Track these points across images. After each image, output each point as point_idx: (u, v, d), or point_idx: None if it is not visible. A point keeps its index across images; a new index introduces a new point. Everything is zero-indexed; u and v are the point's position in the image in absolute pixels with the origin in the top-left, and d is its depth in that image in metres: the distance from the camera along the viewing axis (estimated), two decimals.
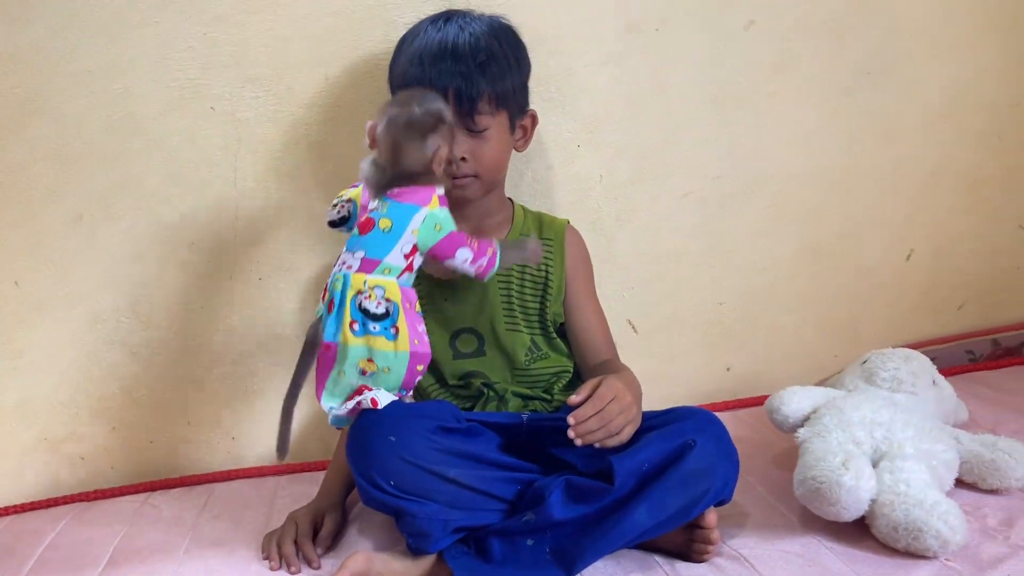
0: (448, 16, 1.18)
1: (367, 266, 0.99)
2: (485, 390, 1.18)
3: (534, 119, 1.24)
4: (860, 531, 1.02)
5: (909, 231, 1.56)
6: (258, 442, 1.41)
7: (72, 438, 1.37)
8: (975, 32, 1.50)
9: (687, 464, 0.98)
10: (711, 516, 1.01)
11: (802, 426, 1.14)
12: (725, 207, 1.48)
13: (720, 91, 1.43)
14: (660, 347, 1.50)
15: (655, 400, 1.50)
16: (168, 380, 1.37)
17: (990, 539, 0.99)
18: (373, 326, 0.98)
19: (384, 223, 0.99)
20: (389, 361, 0.99)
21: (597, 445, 1.01)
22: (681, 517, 0.99)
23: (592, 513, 0.99)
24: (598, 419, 1.00)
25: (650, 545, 1.04)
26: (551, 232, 1.25)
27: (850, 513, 1.00)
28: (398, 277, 1.00)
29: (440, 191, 1.03)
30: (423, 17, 1.28)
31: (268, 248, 1.35)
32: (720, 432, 1.02)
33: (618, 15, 1.36)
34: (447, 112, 1.04)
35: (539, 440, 1.10)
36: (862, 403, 1.11)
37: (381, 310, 0.98)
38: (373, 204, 1.01)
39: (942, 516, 0.96)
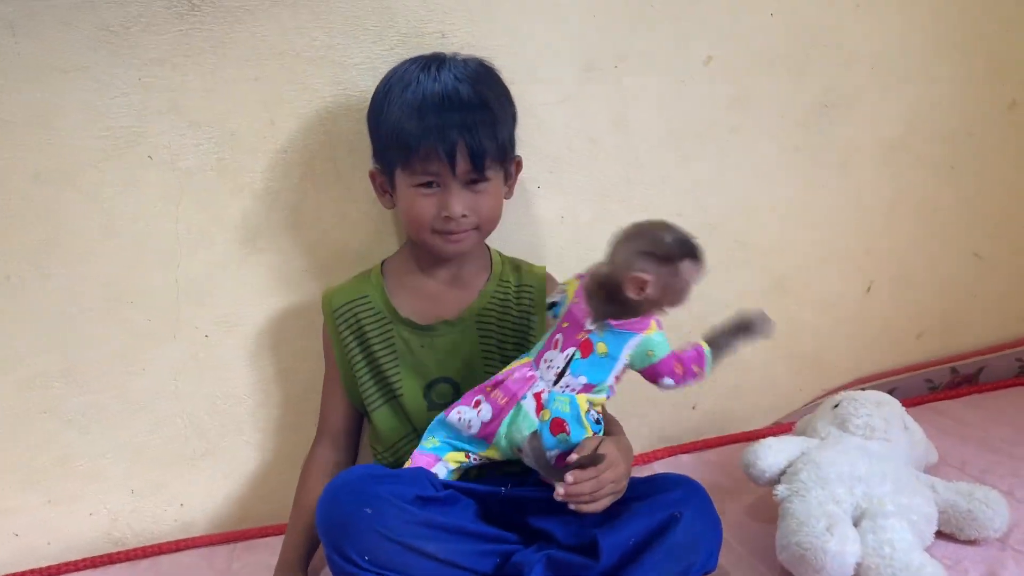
0: (439, 63, 1.12)
1: (587, 388, 1.02)
2: None
3: (519, 165, 1.20)
4: None
5: (869, 263, 1.56)
6: (209, 507, 1.33)
7: (3, 513, 1.27)
8: (928, 64, 1.51)
9: (673, 538, 0.94)
10: None
11: (779, 480, 1.11)
12: None
13: (680, 128, 1.41)
14: (626, 387, 1.45)
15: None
16: (107, 447, 1.28)
17: None
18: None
19: (601, 348, 1.01)
20: None
21: (572, 506, 0.96)
22: None
23: None
24: (592, 485, 0.96)
25: None
26: (531, 279, 1.21)
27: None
28: (607, 395, 1.03)
29: (659, 317, 1.02)
30: (373, 57, 1.23)
31: (214, 303, 1.28)
32: (704, 503, 0.99)
33: (575, 54, 1.33)
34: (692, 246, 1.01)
35: (518, 510, 1.05)
36: (838, 457, 1.09)
37: (600, 421, 1.04)
38: (591, 325, 1.01)
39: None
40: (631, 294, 0.97)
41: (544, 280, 1.22)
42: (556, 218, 1.39)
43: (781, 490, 1.09)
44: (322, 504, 0.96)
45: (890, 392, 1.42)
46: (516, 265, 1.22)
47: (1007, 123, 1.56)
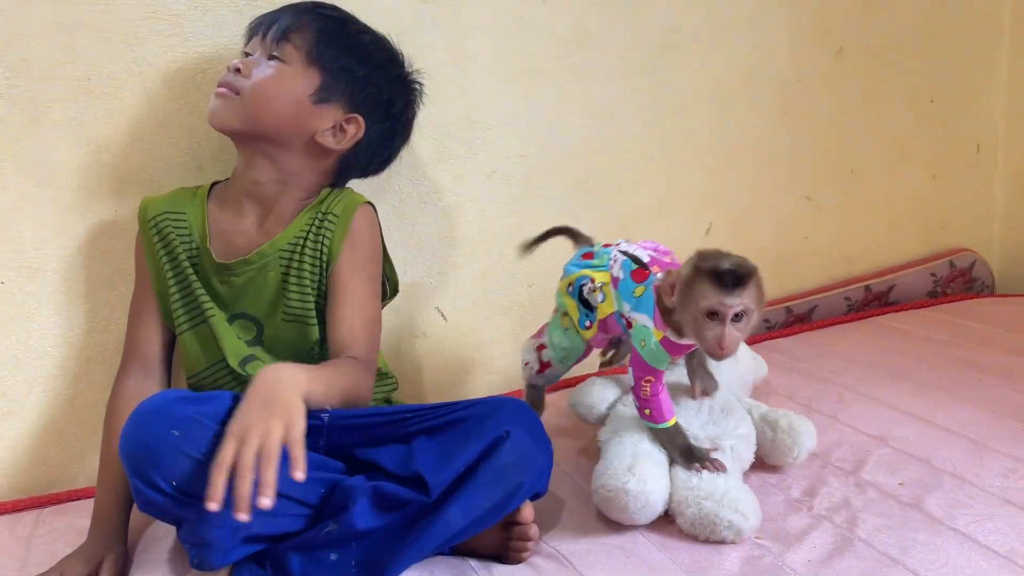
0: None
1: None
2: None
3: (358, 125, 1.12)
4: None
5: (708, 206, 1.59)
6: (11, 471, 1.21)
7: None
8: (761, 11, 1.54)
9: (500, 458, 0.91)
10: (527, 510, 0.96)
11: (608, 416, 1.12)
12: (531, 185, 1.44)
13: (520, 65, 1.38)
14: (471, 333, 1.44)
15: (470, 389, 1.47)
16: None
17: (795, 511, 1.01)
18: None
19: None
20: None
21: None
22: (496, 514, 0.93)
23: (400, 520, 0.91)
24: (239, 483, 0.83)
25: (464, 548, 0.97)
26: (339, 208, 1.12)
27: (644, 517, 0.98)
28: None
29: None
30: None
31: (9, 247, 1.15)
32: (533, 421, 0.97)
33: None
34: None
35: (344, 439, 1.00)
36: None
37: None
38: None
39: (731, 504, 0.95)
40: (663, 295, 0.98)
41: (355, 210, 1.11)
42: (396, 158, 1.33)
43: (603, 433, 1.09)
44: (126, 431, 0.88)
45: None
46: (338, 196, 1.14)
47: (834, 70, 1.62)
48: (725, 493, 0.96)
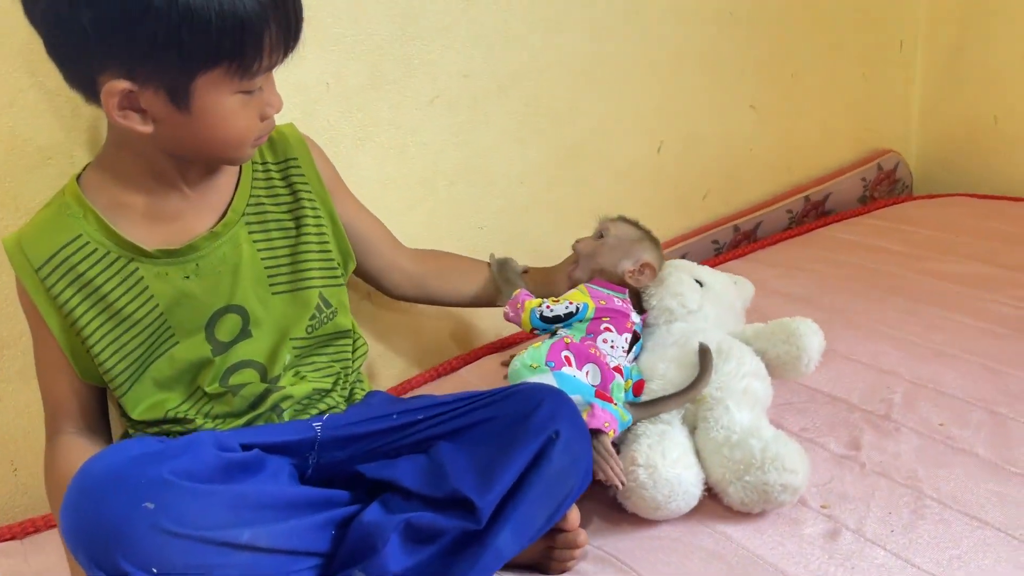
0: None
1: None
2: (264, 391, 0.87)
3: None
4: None
5: (659, 122, 1.45)
6: None
7: None
8: None
9: (551, 464, 0.76)
10: (574, 515, 0.82)
11: None
12: (477, 111, 1.24)
13: None
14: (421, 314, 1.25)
15: (424, 343, 1.28)
16: None
17: (847, 470, 0.92)
18: None
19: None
20: None
21: None
22: (545, 527, 0.79)
23: (440, 551, 0.75)
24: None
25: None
26: (290, 149, 0.93)
27: (682, 507, 0.86)
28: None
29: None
30: None
31: None
32: (573, 411, 0.81)
33: None
34: None
35: (340, 455, 0.82)
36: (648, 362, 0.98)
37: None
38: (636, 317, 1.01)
39: (776, 463, 0.84)
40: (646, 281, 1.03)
41: (303, 143, 0.94)
42: (322, 84, 1.09)
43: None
44: (73, 508, 0.67)
45: (683, 258, 1.35)
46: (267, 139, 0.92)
47: None
48: (763, 453, 0.85)
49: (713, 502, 0.89)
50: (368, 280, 1.07)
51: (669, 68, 1.43)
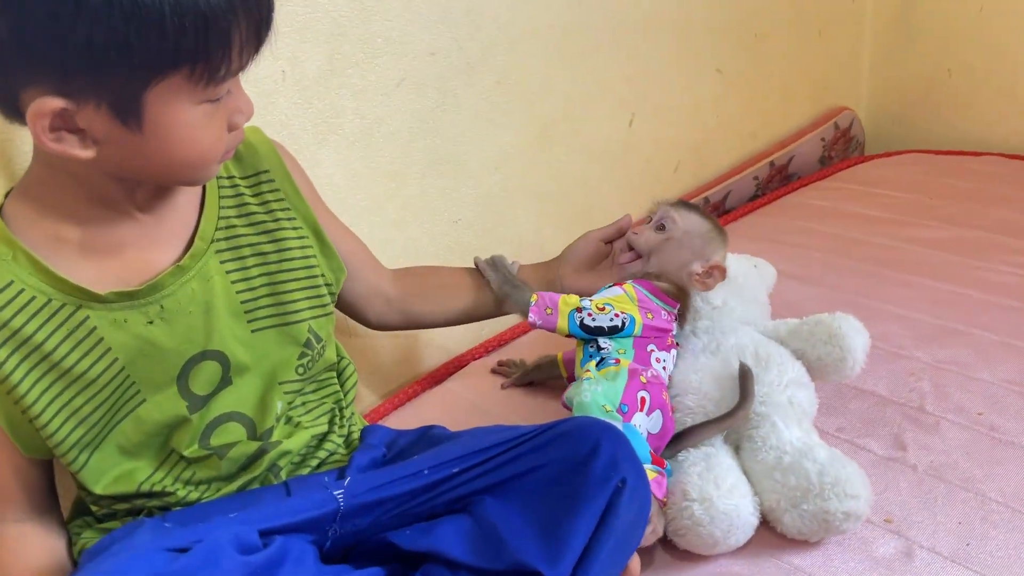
0: None
1: None
2: (257, 451, 0.74)
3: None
4: None
5: (630, 92, 1.35)
6: None
7: None
8: None
9: (620, 517, 0.66)
10: (635, 566, 0.73)
11: None
12: (447, 92, 1.10)
13: None
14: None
15: (412, 346, 1.15)
16: None
17: (900, 475, 0.86)
18: None
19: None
20: None
21: None
22: None
23: None
24: None
25: None
26: (259, 160, 0.79)
27: (740, 538, 0.79)
28: None
29: None
30: None
31: None
32: (632, 450, 0.71)
33: None
34: None
35: (365, 523, 0.70)
36: (682, 376, 0.89)
37: None
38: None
39: (836, 489, 0.77)
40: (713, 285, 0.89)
41: (275, 151, 0.80)
42: (276, 74, 0.93)
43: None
44: None
45: None
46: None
47: None
48: (821, 478, 0.78)
49: (765, 527, 0.81)
50: (347, 310, 0.92)
51: (639, 35, 1.32)
